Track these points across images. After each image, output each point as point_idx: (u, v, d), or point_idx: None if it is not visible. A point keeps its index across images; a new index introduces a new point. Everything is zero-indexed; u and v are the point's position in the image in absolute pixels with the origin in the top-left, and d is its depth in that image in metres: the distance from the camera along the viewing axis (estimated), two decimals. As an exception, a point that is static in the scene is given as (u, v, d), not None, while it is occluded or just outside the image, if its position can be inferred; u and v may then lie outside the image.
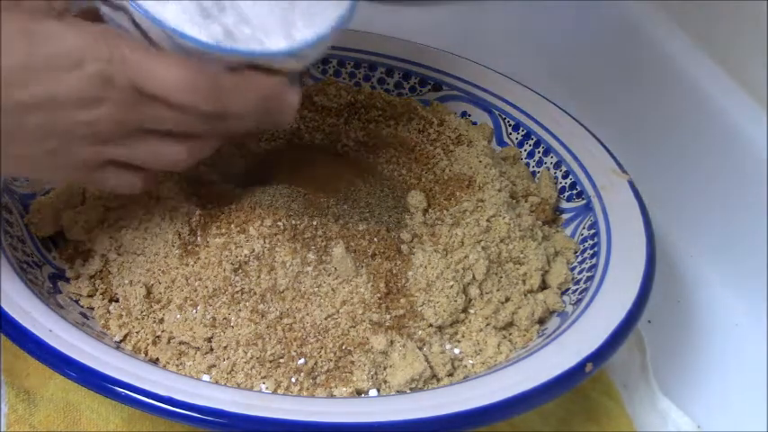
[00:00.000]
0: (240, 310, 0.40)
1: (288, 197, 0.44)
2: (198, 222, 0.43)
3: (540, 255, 0.46)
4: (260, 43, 0.36)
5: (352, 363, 0.40)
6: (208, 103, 0.34)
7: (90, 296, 0.43)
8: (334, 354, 0.40)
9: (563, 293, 0.46)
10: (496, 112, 0.57)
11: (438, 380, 0.41)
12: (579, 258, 0.48)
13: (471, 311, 0.44)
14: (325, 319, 0.41)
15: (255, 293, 0.41)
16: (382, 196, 0.47)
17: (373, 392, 0.40)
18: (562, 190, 0.53)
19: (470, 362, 0.42)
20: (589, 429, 0.43)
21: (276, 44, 0.36)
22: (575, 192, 0.52)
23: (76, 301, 0.42)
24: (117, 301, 0.42)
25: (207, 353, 0.40)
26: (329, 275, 0.42)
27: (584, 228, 0.49)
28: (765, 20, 0.52)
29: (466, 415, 0.35)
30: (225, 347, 0.40)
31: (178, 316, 0.40)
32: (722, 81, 0.55)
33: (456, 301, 0.43)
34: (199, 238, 0.42)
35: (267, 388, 0.39)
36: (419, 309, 0.42)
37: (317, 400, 0.38)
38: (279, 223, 0.42)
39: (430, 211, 0.47)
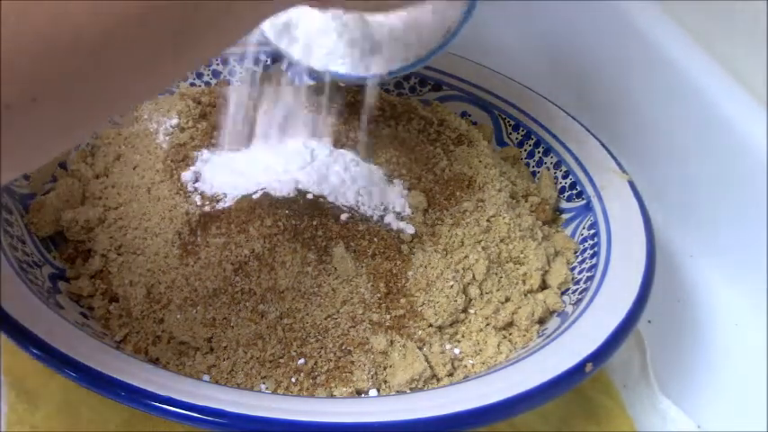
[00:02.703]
0: (240, 310, 0.40)
1: (288, 197, 0.44)
2: (198, 222, 0.43)
3: (540, 255, 0.46)
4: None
5: (352, 363, 0.40)
6: None
7: (90, 296, 0.43)
8: (334, 354, 0.40)
9: (563, 293, 0.46)
10: (496, 112, 0.57)
11: (438, 380, 0.41)
12: (579, 258, 0.48)
13: (471, 311, 0.44)
14: (325, 319, 0.41)
15: (255, 293, 0.41)
16: (382, 196, 0.47)
17: (373, 392, 0.40)
18: (562, 190, 0.53)
19: (470, 362, 0.42)
20: (589, 429, 0.43)
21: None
22: (575, 192, 0.52)
23: (76, 301, 0.42)
24: (117, 301, 0.42)
25: (207, 353, 0.40)
26: (329, 275, 0.42)
27: (584, 228, 0.49)
28: (765, 20, 0.52)
29: (466, 415, 0.35)
30: (225, 347, 0.40)
31: (178, 316, 0.40)
32: (722, 81, 0.55)
33: (456, 301, 0.43)
34: (199, 238, 0.42)
35: (267, 388, 0.39)
36: (419, 309, 0.42)
37: (317, 400, 0.38)
38: (279, 223, 0.42)
39: (430, 211, 0.47)
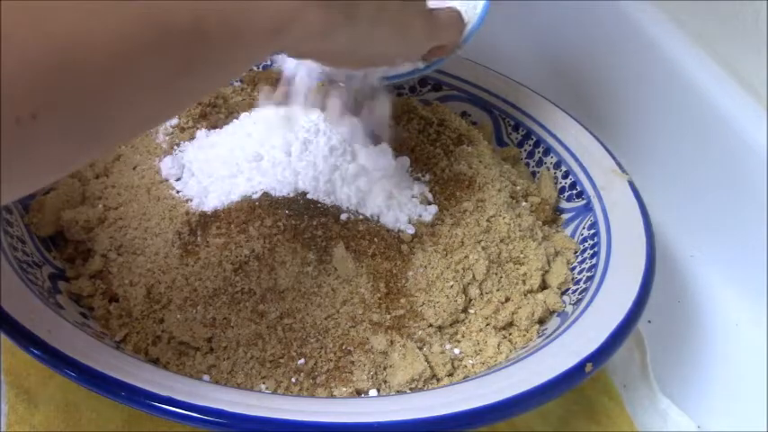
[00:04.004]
0: (240, 310, 0.40)
1: (288, 197, 0.44)
2: (198, 222, 0.43)
3: (540, 255, 0.46)
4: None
5: (352, 363, 0.40)
6: None
7: (90, 296, 0.43)
8: (334, 354, 0.40)
9: (563, 293, 0.46)
10: (496, 112, 0.57)
11: (438, 380, 0.41)
12: (579, 258, 0.48)
13: (471, 311, 0.44)
14: (326, 319, 0.41)
15: (255, 293, 0.41)
16: (382, 196, 0.47)
17: (373, 392, 0.40)
18: (562, 190, 0.53)
19: (470, 362, 0.42)
20: (589, 429, 0.43)
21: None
22: (575, 192, 0.52)
23: (76, 301, 0.42)
24: (117, 301, 0.42)
25: (207, 353, 0.40)
26: (329, 275, 0.42)
27: (584, 228, 0.49)
28: (765, 20, 0.52)
29: (466, 415, 0.35)
30: (225, 347, 0.40)
31: (178, 316, 0.40)
32: (722, 81, 0.55)
33: (456, 301, 0.43)
34: (199, 238, 0.42)
35: (267, 388, 0.39)
36: (419, 309, 0.42)
37: (317, 400, 0.38)
38: (279, 223, 0.42)
39: (430, 211, 0.47)
